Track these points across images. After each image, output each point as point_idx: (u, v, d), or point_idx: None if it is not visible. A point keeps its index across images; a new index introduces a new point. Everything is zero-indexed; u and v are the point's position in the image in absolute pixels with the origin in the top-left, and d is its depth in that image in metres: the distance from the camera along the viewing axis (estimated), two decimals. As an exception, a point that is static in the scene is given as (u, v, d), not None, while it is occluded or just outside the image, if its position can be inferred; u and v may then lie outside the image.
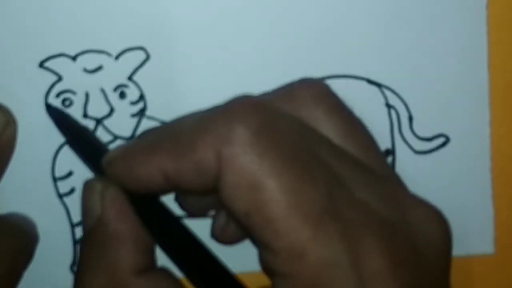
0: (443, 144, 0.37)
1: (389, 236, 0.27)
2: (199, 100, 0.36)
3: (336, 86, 0.36)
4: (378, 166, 0.30)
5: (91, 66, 0.35)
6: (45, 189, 0.36)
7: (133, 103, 0.36)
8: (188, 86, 0.36)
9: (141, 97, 0.36)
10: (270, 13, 0.36)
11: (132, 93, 0.36)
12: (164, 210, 0.31)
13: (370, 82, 0.37)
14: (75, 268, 0.36)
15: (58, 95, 0.35)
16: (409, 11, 0.36)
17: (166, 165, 0.28)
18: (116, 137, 0.36)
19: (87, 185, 0.31)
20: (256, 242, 0.27)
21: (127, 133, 0.36)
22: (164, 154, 0.28)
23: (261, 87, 0.36)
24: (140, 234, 0.30)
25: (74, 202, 0.36)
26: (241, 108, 0.28)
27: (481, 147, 0.38)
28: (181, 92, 0.36)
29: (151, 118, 0.36)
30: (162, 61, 0.36)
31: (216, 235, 0.33)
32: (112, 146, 0.36)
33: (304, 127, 0.29)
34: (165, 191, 0.30)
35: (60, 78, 0.35)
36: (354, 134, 0.30)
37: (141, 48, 0.36)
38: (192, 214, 0.33)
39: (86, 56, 0.35)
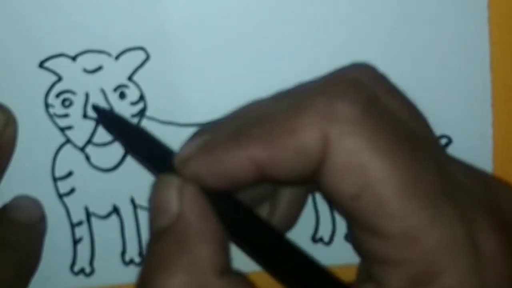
0: (445, 145, 0.37)
1: (495, 215, 0.25)
2: (199, 100, 0.36)
3: (337, 86, 0.36)
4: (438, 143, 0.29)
5: (91, 66, 0.35)
6: (45, 189, 0.36)
7: (133, 103, 0.36)
8: (188, 86, 0.36)
9: (141, 98, 0.36)
10: (270, 13, 0.36)
11: (132, 94, 0.36)
12: (242, 207, 0.28)
13: (372, 82, 0.37)
14: (75, 268, 0.36)
15: (58, 95, 0.35)
16: (410, 12, 0.36)
17: (259, 153, 0.25)
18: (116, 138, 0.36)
19: (162, 181, 0.28)
20: (360, 227, 0.25)
21: (127, 133, 0.36)
22: (256, 141, 0.25)
23: (261, 87, 0.36)
24: (220, 233, 0.27)
25: (74, 202, 0.36)
26: (343, 85, 0.26)
27: (483, 148, 0.37)
28: (181, 92, 0.36)
29: (151, 118, 0.36)
30: (162, 61, 0.36)
31: None
32: (113, 147, 0.36)
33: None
34: (251, 184, 0.27)
35: (60, 78, 0.35)
36: (415, 115, 0.29)
37: (141, 48, 0.35)
38: None
39: (86, 56, 0.35)
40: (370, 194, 0.24)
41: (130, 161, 0.36)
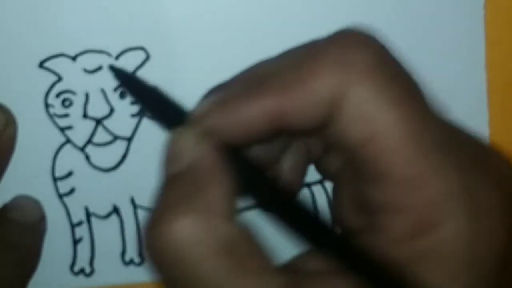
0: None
1: (492, 171, 0.26)
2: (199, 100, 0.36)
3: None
4: None
5: (91, 66, 0.35)
6: (45, 189, 0.36)
7: (133, 103, 0.36)
8: (188, 86, 0.36)
9: (141, 97, 0.36)
10: (270, 13, 0.36)
11: (132, 93, 0.36)
12: (253, 164, 0.28)
13: (370, 82, 0.37)
14: (75, 268, 0.36)
15: (58, 95, 0.35)
16: (406, 12, 0.36)
17: (275, 104, 0.25)
18: (116, 137, 0.36)
19: (179, 131, 0.28)
20: (366, 176, 0.26)
21: (127, 133, 0.36)
22: (271, 92, 0.25)
23: (261, 87, 0.36)
24: (232, 182, 0.27)
25: (74, 202, 0.36)
26: (356, 36, 0.26)
27: (479, 147, 0.38)
28: (181, 92, 0.36)
29: (151, 118, 0.36)
30: (162, 61, 0.36)
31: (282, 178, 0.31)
32: (113, 147, 0.36)
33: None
34: (266, 137, 0.27)
35: (60, 78, 0.35)
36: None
37: (141, 48, 0.36)
38: None
39: (86, 56, 0.35)
40: (379, 140, 0.25)
41: (130, 161, 0.36)
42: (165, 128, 0.30)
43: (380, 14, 0.36)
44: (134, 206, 0.36)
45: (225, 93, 0.27)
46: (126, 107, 0.36)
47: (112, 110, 0.36)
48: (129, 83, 0.32)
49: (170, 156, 0.28)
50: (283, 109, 0.25)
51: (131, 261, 0.37)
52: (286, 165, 0.31)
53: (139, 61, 0.36)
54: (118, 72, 0.32)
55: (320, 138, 0.29)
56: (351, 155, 0.26)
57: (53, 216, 0.36)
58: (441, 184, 0.25)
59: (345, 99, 0.25)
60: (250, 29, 0.36)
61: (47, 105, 0.35)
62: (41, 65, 0.35)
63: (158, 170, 0.36)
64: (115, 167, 0.36)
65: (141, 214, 0.36)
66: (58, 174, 0.36)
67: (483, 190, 0.26)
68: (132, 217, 0.37)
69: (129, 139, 0.36)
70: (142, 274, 0.37)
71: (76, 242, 0.36)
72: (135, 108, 0.36)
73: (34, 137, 0.35)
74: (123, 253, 0.37)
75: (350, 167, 0.28)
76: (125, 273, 0.37)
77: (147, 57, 0.36)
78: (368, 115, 0.25)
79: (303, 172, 0.32)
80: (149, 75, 0.36)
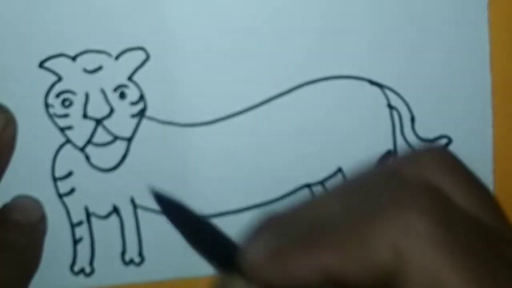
0: (445, 145, 0.37)
1: None
2: (199, 100, 0.36)
3: (338, 87, 0.37)
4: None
5: (91, 66, 0.35)
6: (45, 189, 0.36)
7: (133, 103, 0.36)
8: (188, 86, 0.36)
9: (141, 98, 0.36)
10: (271, 14, 0.36)
11: (132, 94, 0.36)
12: None
13: (372, 83, 0.37)
14: (75, 268, 0.36)
15: (58, 95, 0.35)
16: (410, 12, 0.36)
17: (331, 261, 0.25)
18: (116, 137, 0.36)
19: (229, 278, 0.28)
20: None
21: (127, 133, 0.36)
22: (327, 250, 0.25)
23: (261, 87, 0.36)
24: None
25: (74, 202, 0.36)
26: (415, 192, 0.25)
27: (483, 148, 0.37)
28: (181, 92, 0.36)
29: (151, 118, 0.36)
30: (162, 61, 0.36)
31: None
32: (113, 147, 0.36)
33: (471, 213, 0.26)
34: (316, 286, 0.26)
35: (60, 78, 0.35)
36: (489, 207, 0.28)
37: (141, 48, 0.35)
38: None
39: (86, 56, 0.35)
40: None
41: (130, 161, 0.36)
42: (212, 264, 0.29)
43: (384, 15, 0.36)
44: (134, 206, 0.36)
45: (279, 243, 0.26)
46: (126, 107, 0.36)
47: (112, 110, 0.36)
48: (172, 210, 0.30)
49: None
50: (338, 269, 0.25)
51: (131, 261, 0.37)
52: None
53: (139, 61, 0.35)
54: (160, 198, 0.30)
55: None
56: None
57: (53, 216, 0.36)
58: None
59: (405, 267, 0.24)
60: (250, 29, 0.36)
61: (47, 105, 0.35)
62: (41, 65, 0.35)
63: (158, 171, 0.36)
64: (115, 167, 0.36)
65: (141, 214, 0.36)
66: (58, 174, 0.36)
67: None
68: (132, 217, 0.36)
69: (129, 139, 0.36)
70: (142, 274, 0.37)
71: (76, 242, 0.36)
72: (135, 108, 0.36)
73: (34, 137, 0.35)
74: (123, 253, 0.37)
75: None
76: (125, 273, 0.37)
77: (147, 57, 0.35)
78: (430, 283, 0.24)
79: None
80: (149, 75, 0.36)
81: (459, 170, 0.28)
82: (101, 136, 0.36)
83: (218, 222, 0.37)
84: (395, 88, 0.37)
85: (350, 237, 0.25)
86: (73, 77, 0.35)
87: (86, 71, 0.35)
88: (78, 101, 0.35)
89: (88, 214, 0.36)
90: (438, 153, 0.28)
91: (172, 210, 0.30)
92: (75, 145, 0.36)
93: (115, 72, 0.35)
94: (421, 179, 0.26)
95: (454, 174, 0.27)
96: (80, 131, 0.36)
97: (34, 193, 0.36)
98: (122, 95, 0.36)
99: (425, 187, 0.26)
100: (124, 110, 0.36)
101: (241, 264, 0.27)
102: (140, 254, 0.37)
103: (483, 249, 0.25)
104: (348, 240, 0.25)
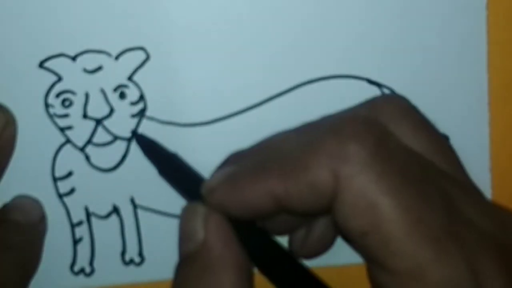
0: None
1: (503, 254, 0.26)
2: (199, 100, 0.36)
3: (336, 86, 0.37)
4: (466, 181, 0.29)
5: (91, 66, 0.35)
6: (45, 189, 0.36)
7: (133, 103, 0.36)
8: (188, 86, 0.36)
9: (141, 97, 0.36)
10: (270, 13, 0.36)
11: (132, 94, 0.36)
12: (264, 235, 0.30)
13: (371, 82, 0.37)
14: (75, 268, 0.36)
15: (58, 95, 0.35)
16: (408, 12, 0.36)
17: (276, 187, 0.27)
18: (116, 138, 0.36)
19: (189, 209, 0.30)
20: (370, 261, 0.27)
21: (127, 133, 0.36)
22: (273, 176, 0.27)
23: (261, 87, 0.36)
24: (243, 260, 0.29)
25: (74, 202, 0.36)
26: (353, 126, 0.27)
27: (480, 146, 0.38)
28: (181, 92, 0.36)
29: (151, 118, 0.36)
30: (162, 61, 0.36)
31: (295, 249, 0.33)
32: (113, 147, 0.36)
33: (408, 146, 0.28)
34: (272, 214, 0.29)
35: (60, 78, 0.35)
36: (441, 149, 0.30)
37: (141, 48, 0.35)
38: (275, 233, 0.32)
39: (86, 56, 0.35)
40: (377, 232, 0.26)
41: (130, 161, 0.36)
42: (183, 196, 0.33)
43: (383, 14, 0.36)
44: (134, 206, 0.36)
45: (234, 170, 0.29)
46: (126, 107, 0.36)
47: (112, 110, 0.36)
48: (150, 150, 0.34)
49: (182, 235, 0.30)
50: (283, 194, 0.27)
51: (131, 261, 0.37)
52: (317, 228, 0.32)
53: (139, 61, 0.35)
54: (139, 138, 0.34)
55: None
56: (354, 242, 0.27)
57: (53, 216, 0.36)
58: (440, 274, 0.25)
59: (341, 192, 0.26)
60: (250, 29, 0.36)
61: (47, 105, 0.35)
62: (41, 65, 0.35)
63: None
64: (115, 167, 0.36)
65: (141, 214, 0.36)
66: (58, 174, 0.36)
67: (488, 278, 0.25)
68: (132, 217, 0.36)
69: (129, 139, 0.36)
70: (142, 274, 0.37)
71: (76, 242, 0.36)
72: (135, 108, 0.36)
73: (34, 137, 0.35)
74: (123, 253, 0.37)
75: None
76: (125, 273, 0.37)
77: (147, 57, 0.35)
78: (364, 208, 0.26)
79: (333, 235, 0.33)
80: (149, 75, 0.36)
81: (414, 116, 0.30)
82: (101, 136, 0.36)
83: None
84: (393, 88, 0.37)
85: (294, 164, 0.27)
86: (73, 77, 0.35)
87: (86, 71, 0.35)
88: (78, 101, 0.35)
89: (88, 214, 0.36)
90: (395, 100, 0.31)
91: (150, 148, 0.34)
92: (75, 145, 0.36)
93: (115, 72, 0.35)
94: (368, 116, 0.28)
95: (408, 119, 0.29)
96: (80, 131, 0.36)
97: (34, 193, 0.36)
98: (122, 95, 0.36)
99: (365, 120, 0.27)
100: (124, 110, 0.36)
101: (201, 190, 0.30)
102: (140, 254, 0.37)
103: (417, 178, 0.26)
104: (292, 167, 0.27)
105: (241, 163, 0.30)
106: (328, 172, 0.26)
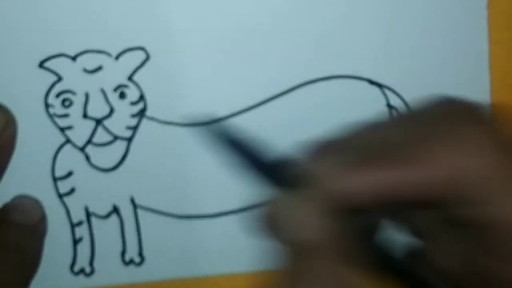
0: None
1: None
2: (199, 100, 0.36)
3: (337, 86, 0.37)
4: None
5: (91, 66, 0.35)
6: (45, 189, 0.36)
7: (133, 103, 0.36)
8: (188, 86, 0.36)
9: (141, 97, 0.36)
10: (271, 14, 0.36)
11: (132, 93, 0.36)
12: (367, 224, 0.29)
13: (372, 82, 0.37)
14: (75, 268, 0.36)
15: (58, 95, 0.35)
16: (410, 12, 0.36)
17: (391, 178, 0.26)
18: (116, 137, 0.36)
19: (287, 199, 0.27)
20: (491, 252, 0.26)
21: (127, 133, 0.36)
22: (398, 164, 0.26)
23: (261, 87, 0.36)
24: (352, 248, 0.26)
25: (74, 202, 0.36)
26: (471, 117, 0.26)
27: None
28: (181, 92, 0.36)
29: (151, 118, 0.36)
30: (162, 61, 0.36)
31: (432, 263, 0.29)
32: (113, 147, 0.36)
33: None
34: (379, 205, 0.27)
35: (60, 78, 0.35)
36: None
37: (141, 48, 0.35)
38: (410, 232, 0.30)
39: (86, 56, 0.35)
40: (503, 224, 0.25)
41: (130, 161, 0.36)
42: (271, 186, 0.28)
43: (384, 15, 0.36)
44: (134, 206, 0.36)
45: (349, 157, 0.26)
46: (126, 107, 0.36)
47: (112, 110, 0.35)
48: (229, 139, 0.29)
49: (294, 225, 0.26)
50: (397, 184, 0.25)
51: (131, 261, 0.37)
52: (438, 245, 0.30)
53: (139, 61, 0.35)
54: (212, 129, 0.29)
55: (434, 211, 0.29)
56: (474, 232, 0.26)
57: (53, 216, 0.36)
58: None
59: (467, 178, 0.25)
60: (250, 29, 0.36)
61: (47, 105, 0.35)
62: (41, 65, 0.35)
63: (158, 171, 0.36)
64: (115, 167, 0.36)
65: (141, 214, 0.36)
66: (58, 174, 0.36)
67: None
68: (132, 217, 0.36)
69: (129, 139, 0.36)
70: (142, 274, 0.37)
71: (76, 242, 0.36)
72: (135, 108, 0.36)
73: (34, 137, 0.35)
74: (123, 253, 0.37)
75: (465, 239, 0.27)
76: (125, 273, 0.37)
77: (147, 57, 0.35)
78: (494, 195, 0.25)
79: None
80: (149, 75, 0.36)
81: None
82: (101, 136, 0.36)
83: (218, 222, 0.37)
84: (395, 88, 0.37)
85: (409, 154, 0.25)
86: (73, 77, 0.35)
87: (86, 71, 0.35)
88: (78, 101, 0.35)
89: (88, 214, 0.36)
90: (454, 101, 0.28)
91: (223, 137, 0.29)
92: (75, 145, 0.36)
93: (115, 72, 0.35)
94: (464, 103, 0.27)
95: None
96: (80, 131, 0.36)
97: (34, 193, 0.36)
98: (122, 95, 0.36)
99: (469, 105, 0.26)
100: (124, 110, 0.36)
101: (304, 181, 0.26)
102: (140, 254, 0.37)
103: None
104: (411, 157, 0.25)
105: (349, 153, 0.27)
106: (449, 164, 0.25)
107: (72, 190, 0.36)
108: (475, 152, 0.25)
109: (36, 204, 0.36)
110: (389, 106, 0.37)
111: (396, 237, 0.30)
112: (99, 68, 0.35)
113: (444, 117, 0.26)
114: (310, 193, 0.26)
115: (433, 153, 0.25)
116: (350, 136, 0.28)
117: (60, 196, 0.36)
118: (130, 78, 0.36)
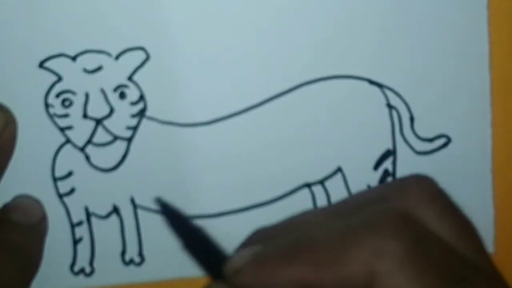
0: (445, 145, 0.37)
1: None
2: (199, 100, 0.36)
3: (337, 86, 0.37)
4: (492, 271, 0.29)
5: (91, 66, 0.35)
6: (45, 189, 0.36)
7: (133, 103, 0.36)
8: (188, 86, 0.36)
9: (141, 97, 0.36)
10: (271, 13, 0.36)
11: (132, 93, 0.36)
12: None
13: (372, 82, 0.37)
14: (75, 268, 0.36)
15: (58, 95, 0.35)
16: (410, 12, 0.36)
17: (307, 276, 0.26)
18: (116, 138, 0.36)
19: (213, 285, 0.29)
20: None
21: (127, 133, 0.36)
22: (307, 264, 0.27)
23: (261, 87, 0.36)
24: None
25: (74, 202, 0.36)
26: (393, 222, 0.27)
27: (482, 147, 0.37)
28: (181, 92, 0.36)
29: (151, 118, 0.36)
30: (162, 61, 0.36)
31: None
32: (113, 147, 0.36)
33: (445, 241, 0.28)
34: None
35: (60, 78, 0.35)
36: (466, 237, 0.29)
37: (141, 48, 0.35)
38: None
39: (86, 56, 0.35)
40: None
41: (130, 161, 0.36)
42: (204, 271, 0.31)
43: (383, 15, 0.36)
44: (134, 206, 0.36)
45: (262, 250, 0.28)
46: (126, 107, 0.36)
47: (112, 110, 0.35)
48: (173, 219, 0.32)
49: None
50: (313, 282, 0.26)
51: (131, 261, 0.37)
52: None
53: (139, 61, 0.35)
54: (165, 209, 0.32)
55: None
56: None
57: (53, 216, 0.36)
58: None
59: (377, 286, 0.26)
60: (250, 29, 0.36)
61: (47, 105, 0.35)
62: (41, 65, 0.35)
63: (158, 171, 0.36)
64: (115, 167, 0.36)
65: (141, 214, 0.37)
66: (58, 174, 0.36)
67: None
68: (132, 217, 0.37)
69: (129, 139, 0.36)
70: (142, 274, 0.37)
71: (76, 242, 0.36)
72: (135, 108, 0.36)
73: (34, 137, 0.35)
74: (123, 253, 0.37)
75: None
76: (125, 273, 0.37)
77: (147, 57, 0.35)
78: None
79: None
80: (149, 75, 0.36)
81: (442, 200, 0.30)
82: (101, 136, 0.36)
83: (218, 222, 0.37)
84: (395, 88, 0.37)
85: (330, 254, 0.26)
86: (73, 77, 0.35)
87: (86, 71, 0.35)
88: (78, 101, 0.35)
89: (88, 214, 0.36)
90: (424, 182, 0.30)
91: (173, 218, 0.32)
92: (75, 145, 0.36)
93: (115, 72, 0.35)
94: (400, 206, 0.28)
95: (436, 204, 0.29)
96: (80, 131, 0.36)
97: (34, 193, 0.36)
98: (122, 95, 0.36)
99: (403, 216, 0.27)
100: (124, 110, 0.36)
101: (225, 270, 0.29)
102: (140, 254, 0.37)
103: (454, 278, 0.26)
104: (328, 257, 0.26)
105: (269, 243, 0.29)
106: (365, 267, 0.26)
107: (72, 190, 0.36)
108: (390, 267, 0.26)
109: (36, 204, 0.36)
110: (389, 106, 0.37)
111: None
112: (99, 68, 0.35)
113: (371, 226, 0.27)
114: (221, 285, 0.29)
115: (344, 255, 0.26)
116: (283, 225, 0.30)
117: (60, 196, 0.36)
118: (130, 78, 0.36)
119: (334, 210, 0.30)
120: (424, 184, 0.30)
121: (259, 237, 0.30)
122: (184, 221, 0.33)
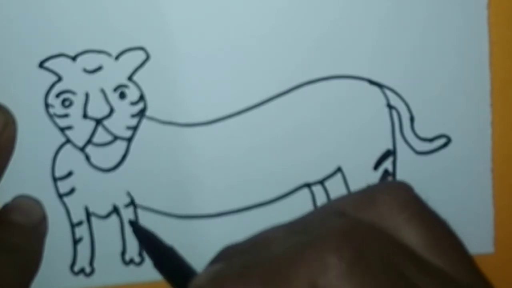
0: (445, 145, 0.37)
1: None
2: (199, 100, 0.36)
3: (337, 86, 0.37)
4: (465, 276, 0.29)
5: (91, 66, 0.35)
6: (45, 189, 0.36)
7: (133, 103, 0.36)
8: (188, 86, 0.36)
9: (141, 97, 0.36)
10: (271, 13, 0.36)
11: (132, 93, 0.36)
12: None
13: (372, 82, 0.37)
14: (75, 268, 0.36)
15: (58, 95, 0.35)
16: (410, 12, 0.36)
17: None
18: (116, 137, 0.36)
19: None
20: None
21: (127, 133, 0.36)
22: (256, 282, 0.28)
23: (261, 87, 0.36)
24: None
25: (74, 202, 0.36)
26: (333, 238, 0.28)
27: (482, 147, 0.37)
28: (181, 92, 0.36)
29: (151, 118, 0.36)
30: (162, 61, 0.36)
31: None
32: (112, 147, 0.36)
33: (393, 247, 0.29)
34: None
35: (60, 78, 0.35)
36: (439, 243, 0.30)
37: (141, 48, 0.35)
38: None
39: (86, 56, 0.35)
40: None
41: (130, 161, 0.36)
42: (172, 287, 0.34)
43: (384, 15, 0.36)
44: (134, 206, 0.36)
45: (220, 270, 0.30)
46: (126, 107, 0.36)
47: (112, 110, 0.36)
48: (146, 240, 0.35)
49: None
50: None
51: (131, 261, 0.37)
52: None
53: (139, 61, 0.35)
54: (137, 229, 0.35)
55: None
56: None
57: (53, 216, 0.36)
58: None
59: None
60: (250, 29, 0.36)
61: (47, 105, 0.35)
62: (41, 65, 0.35)
63: (158, 171, 0.36)
64: (115, 167, 0.36)
65: (141, 214, 0.36)
66: (58, 174, 0.36)
67: None
68: (132, 217, 0.36)
69: (129, 139, 0.36)
70: (142, 274, 0.37)
71: (76, 242, 0.36)
72: (135, 108, 0.36)
73: (34, 137, 0.35)
74: (123, 253, 0.37)
75: None
76: (125, 273, 0.37)
77: (147, 57, 0.35)
78: None
79: None
80: (149, 75, 0.36)
81: (412, 209, 0.30)
82: (101, 136, 0.36)
83: (218, 222, 0.37)
84: (395, 88, 0.37)
85: (277, 272, 0.28)
86: (73, 77, 0.35)
87: (86, 71, 0.35)
88: (78, 101, 0.35)
89: (88, 214, 0.36)
90: (396, 190, 0.31)
91: (145, 238, 0.36)
92: (75, 145, 0.36)
93: (115, 72, 0.35)
94: (343, 229, 0.29)
95: (405, 213, 0.30)
96: (80, 131, 0.36)
97: (34, 193, 0.36)
98: (122, 95, 0.36)
99: (349, 231, 0.28)
100: (124, 110, 0.36)
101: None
102: (140, 254, 0.37)
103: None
104: (275, 275, 0.28)
105: (229, 262, 0.30)
106: (307, 284, 0.27)
107: (72, 190, 0.36)
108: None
109: (36, 205, 0.36)
110: (389, 106, 0.37)
111: None
112: (99, 68, 0.35)
113: (317, 240, 0.28)
114: None
115: (290, 272, 0.27)
116: (249, 242, 0.32)
117: (60, 196, 0.36)
118: (130, 78, 0.36)
119: (293, 226, 0.31)
120: (395, 193, 0.30)
121: (227, 254, 0.32)
122: (155, 242, 0.35)
